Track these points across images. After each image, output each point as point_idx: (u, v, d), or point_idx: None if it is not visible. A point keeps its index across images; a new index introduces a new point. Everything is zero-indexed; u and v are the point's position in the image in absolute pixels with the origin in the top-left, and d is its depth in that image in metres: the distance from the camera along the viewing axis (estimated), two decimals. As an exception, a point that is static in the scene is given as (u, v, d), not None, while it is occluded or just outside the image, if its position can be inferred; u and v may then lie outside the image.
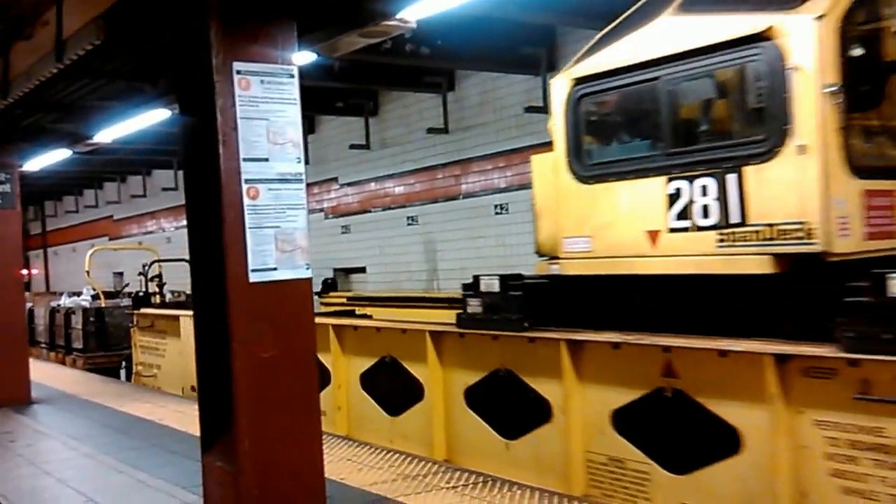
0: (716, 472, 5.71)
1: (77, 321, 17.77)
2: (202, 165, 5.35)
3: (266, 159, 5.29)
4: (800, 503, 5.27)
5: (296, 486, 5.43)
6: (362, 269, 18.75)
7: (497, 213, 14.96)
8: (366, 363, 8.81)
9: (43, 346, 19.16)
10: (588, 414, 6.54)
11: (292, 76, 5.42)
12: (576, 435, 6.59)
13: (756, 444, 5.49)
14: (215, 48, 5.15)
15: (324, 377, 8.79)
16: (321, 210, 19.56)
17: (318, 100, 16.55)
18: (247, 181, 5.21)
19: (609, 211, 6.65)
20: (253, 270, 5.21)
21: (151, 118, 13.12)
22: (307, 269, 5.45)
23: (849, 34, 5.63)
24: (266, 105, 5.31)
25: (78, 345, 17.66)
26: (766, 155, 5.69)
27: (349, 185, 18.90)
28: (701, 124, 6.29)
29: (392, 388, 8.54)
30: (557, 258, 7.07)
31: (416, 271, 16.79)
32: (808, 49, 5.49)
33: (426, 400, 8.07)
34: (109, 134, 14.53)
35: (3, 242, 11.16)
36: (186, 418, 9.21)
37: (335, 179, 19.25)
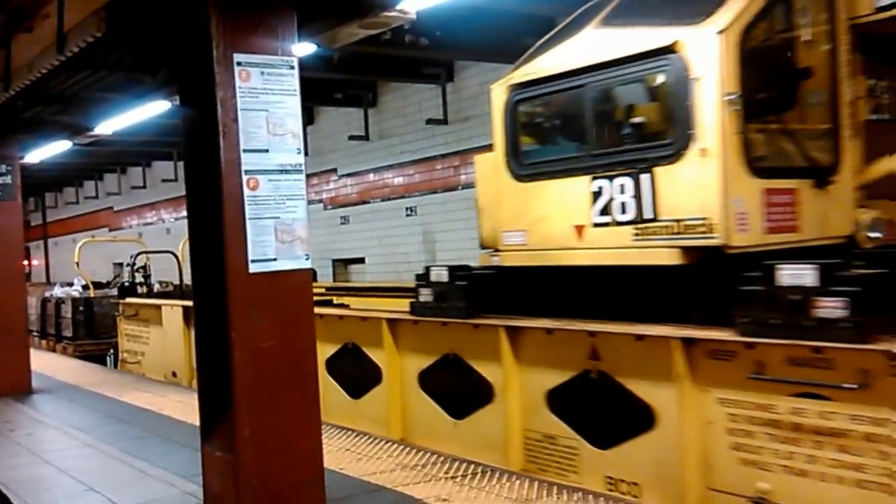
0: (634, 447, 6.16)
1: (67, 310, 18.32)
2: (202, 156, 5.38)
3: (266, 150, 5.31)
4: (705, 475, 5.71)
5: (295, 475, 5.46)
6: (361, 260, 18.79)
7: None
8: (331, 349, 9.17)
9: (35, 334, 19.37)
10: (526, 394, 7.01)
11: (292, 67, 5.44)
12: (514, 414, 7.06)
13: (668, 421, 5.95)
14: (216, 39, 5.18)
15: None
16: (320, 201, 19.59)
17: (317, 91, 16.57)
18: (247, 172, 5.24)
19: (542, 207, 7.09)
20: (253, 261, 5.24)
21: (152, 110, 13.13)
22: (307, 259, 5.48)
23: (748, 48, 6.04)
24: (266, 96, 5.33)
25: (68, 333, 18.20)
26: (674, 157, 6.11)
27: (348, 175, 18.92)
28: (619, 128, 6.67)
29: (354, 373, 9.00)
30: (498, 250, 7.52)
31: (414, 262, 16.82)
32: (708, 61, 5.93)
33: (384, 383, 8.49)
34: (110, 125, 14.54)
35: (3, 233, 11.19)
36: (186, 408, 9.25)
37: (334, 170, 19.28)
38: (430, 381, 7.99)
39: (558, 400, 6.76)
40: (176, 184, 23.71)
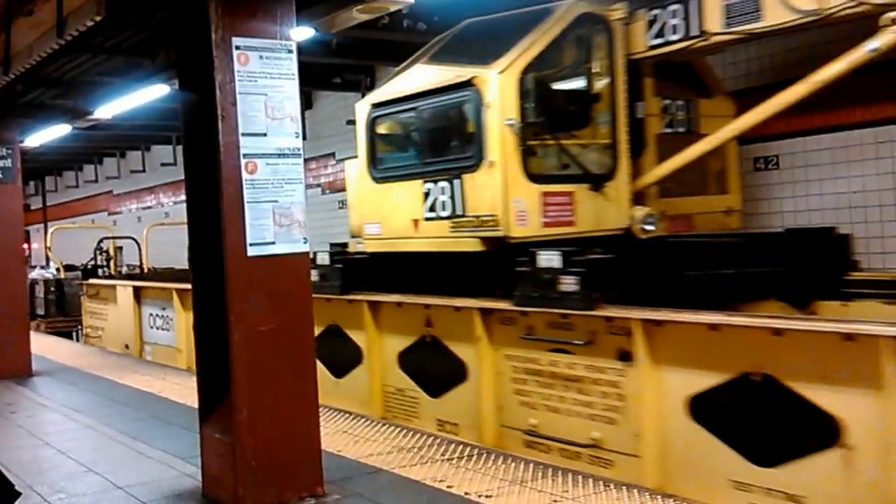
0: (454, 394, 7.88)
1: (40, 290, 19.79)
2: (201, 140, 5.41)
3: (264, 134, 5.35)
4: (498, 415, 7.39)
5: (293, 456, 5.51)
6: (360, 245, 18.77)
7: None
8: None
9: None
10: (384, 356, 8.67)
11: (291, 51, 5.47)
12: (376, 372, 8.74)
13: (474, 373, 7.62)
14: (214, 23, 5.20)
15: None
16: (318, 185, 19.55)
17: (315, 75, 16.51)
18: (245, 156, 5.27)
19: (391, 204, 8.63)
20: (251, 244, 5.28)
21: (151, 94, 13.15)
22: (305, 243, 5.52)
23: (527, 84, 7.63)
24: (265, 80, 5.36)
25: (40, 311, 19.69)
26: (474, 167, 7.66)
27: (346, 160, 18.87)
28: (440, 143, 8.24)
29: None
30: (362, 239, 9.14)
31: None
32: (494, 93, 7.52)
33: None
34: (109, 109, 14.56)
35: (3, 217, 11.19)
36: (185, 391, 9.29)
37: (332, 155, 19.23)
38: (319, 348, 8.49)
39: (405, 360, 8.44)
40: (175, 168, 23.63)
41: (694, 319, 5.90)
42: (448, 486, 5.71)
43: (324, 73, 16.73)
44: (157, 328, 13.61)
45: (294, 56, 5.49)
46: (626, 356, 6.33)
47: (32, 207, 35.66)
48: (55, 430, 8.09)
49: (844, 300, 8.36)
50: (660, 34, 8.07)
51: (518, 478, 5.85)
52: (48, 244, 22.21)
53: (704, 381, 5.84)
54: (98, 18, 7.60)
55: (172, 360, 12.55)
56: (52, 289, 19.74)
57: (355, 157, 9.28)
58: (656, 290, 7.07)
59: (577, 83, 8.32)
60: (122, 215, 29.08)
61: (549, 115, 7.85)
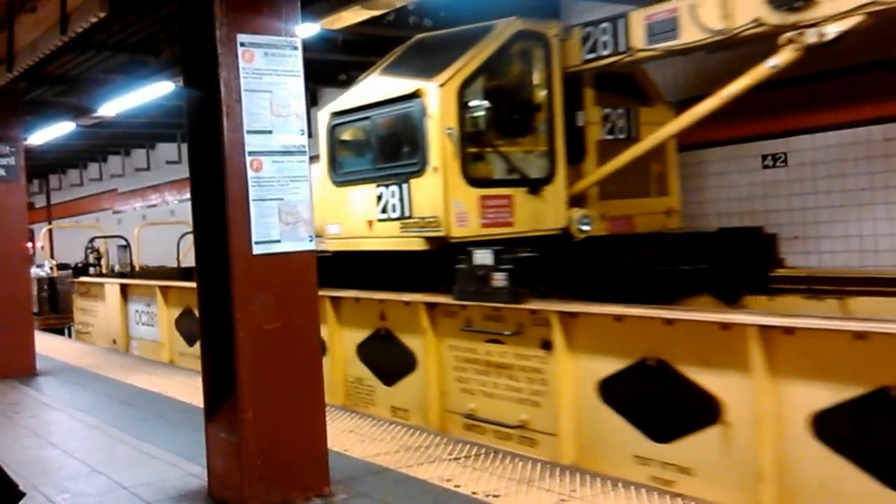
0: (405, 383, 8.37)
1: (34, 289, 19.53)
2: (206, 138, 5.38)
3: (269, 131, 5.31)
4: (442, 400, 7.91)
5: (299, 456, 5.48)
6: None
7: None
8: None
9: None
10: (345, 348, 9.10)
11: (296, 48, 5.43)
12: (338, 363, 9.13)
13: (423, 363, 8.11)
14: (219, 20, 5.17)
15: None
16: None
17: (321, 72, 16.49)
18: (250, 153, 5.24)
19: (349, 206, 9.16)
20: (256, 242, 5.25)
21: (155, 91, 13.13)
22: (310, 241, 5.49)
23: (466, 95, 8.29)
24: (270, 77, 5.32)
25: (34, 309, 19.55)
26: (419, 172, 8.28)
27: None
28: (391, 150, 8.80)
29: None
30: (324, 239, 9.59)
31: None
32: (435, 104, 8.11)
33: None
34: (113, 107, 14.56)
35: (7, 215, 11.16)
36: (190, 390, 9.26)
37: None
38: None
39: (363, 351, 8.88)
40: (180, 166, 23.64)
41: (601, 311, 6.55)
42: (455, 486, 5.68)
43: (329, 70, 16.68)
44: (143, 324, 14.01)
45: (299, 53, 5.45)
46: (547, 345, 6.92)
47: (36, 206, 35.67)
48: (60, 430, 8.08)
49: (770, 295, 9.10)
50: (593, 49, 8.80)
51: (525, 477, 5.81)
52: (41, 243, 22.82)
53: (611, 366, 6.46)
54: (102, 15, 7.56)
55: (156, 355, 12.99)
56: (46, 287, 19.99)
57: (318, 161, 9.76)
58: (593, 286, 7.99)
59: (516, 94, 9.00)
60: (127, 213, 29.07)
61: (488, 124, 8.58)
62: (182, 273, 16.77)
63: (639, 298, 6.78)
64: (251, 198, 5.24)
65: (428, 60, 8.83)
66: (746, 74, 7.73)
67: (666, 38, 8.20)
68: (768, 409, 5.42)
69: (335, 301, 9.11)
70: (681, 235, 9.80)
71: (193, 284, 11.99)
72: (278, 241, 5.33)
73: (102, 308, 15.53)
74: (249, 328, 5.26)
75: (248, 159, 5.23)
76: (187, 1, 5.58)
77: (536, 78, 8.92)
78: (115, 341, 14.72)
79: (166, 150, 24.78)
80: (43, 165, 30.56)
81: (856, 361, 5.04)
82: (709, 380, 5.76)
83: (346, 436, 7.14)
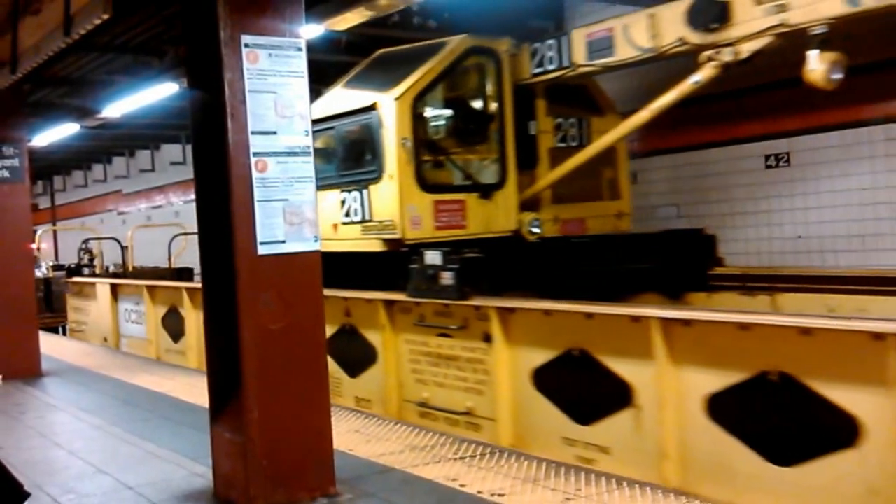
0: (368, 375, 9.09)
1: None
2: (210, 139, 5.38)
3: (274, 132, 5.32)
4: (400, 391, 8.67)
5: (304, 457, 5.48)
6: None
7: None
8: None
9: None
10: None
11: (300, 49, 5.44)
12: None
13: (382, 356, 8.82)
14: (223, 21, 5.17)
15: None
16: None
17: (325, 73, 16.50)
18: (255, 154, 5.24)
19: (318, 210, 9.17)
20: (261, 243, 5.25)
21: (159, 92, 13.17)
22: (315, 241, 5.49)
23: (420, 107, 9.01)
24: (274, 78, 5.33)
25: None
26: (377, 179, 8.98)
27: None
28: (352, 158, 9.50)
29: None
30: None
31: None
32: (390, 117, 8.84)
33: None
34: (118, 108, 14.60)
35: (11, 216, 11.16)
36: (195, 390, 9.27)
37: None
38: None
39: (330, 346, 8.73)
40: (184, 167, 23.71)
41: (533, 306, 7.34)
42: (461, 485, 5.68)
43: (334, 71, 16.69)
44: (132, 322, 14.75)
45: (303, 54, 5.46)
46: (488, 338, 7.66)
47: (41, 207, 35.71)
48: (65, 431, 8.09)
49: (709, 292, 9.83)
50: (540, 64, 9.58)
51: (531, 476, 5.82)
52: (37, 244, 22.77)
53: (543, 356, 7.25)
54: (105, 17, 7.57)
55: (145, 352, 13.81)
56: (41, 287, 20.07)
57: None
58: (547, 285, 8.73)
59: (469, 105, 9.73)
60: (132, 214, 29.11)
61: (442, 134, 9.29)
62: (174, 273, 17.96)
63: (589, 296, 7.48)
64: (256, 198, 5.24)
65: (385, 75, 9.51)
66: (673, 89, 8.42)
67: (603, 54, 8.94)
68: (670, 393, 6.12)
69: None
70: (629, 237, 10.58)
71: (179, 284, 13.76)
72: (283, 242, 5.34)
73: (95, 307, 16.23)
74: (255, 328, 5.27)
75: (253, 160, 5.23)
76: (191, 2, 5.59)
77: (488, 90, 9.64)
78: (105, 339, 15.47)
79: (171, 151, 24.83)
80: (47, 167, 30.62)
81: (741, 350, 5.73)
82: (622, 367, 6.55)
83: (351, 436, 7.15)
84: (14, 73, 9.99)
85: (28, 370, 11.16)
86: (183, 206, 25.25)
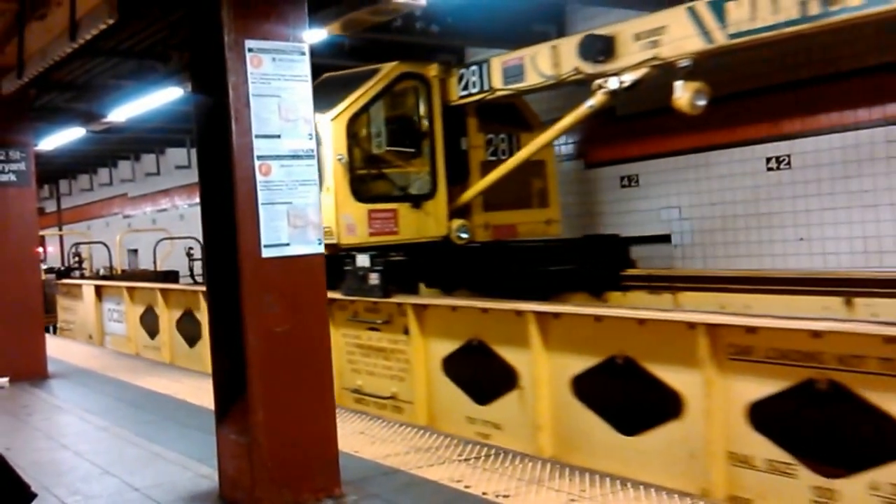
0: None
1: None
2: (215, 142, 5.41)
3: (278, 136, 5.35)
4: (338, 378, 9.02)
5: (309, 458, 5.51)
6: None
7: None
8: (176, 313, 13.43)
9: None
10: None
11: (303, 53, 5.47)
12: None
13: (335, 349, 9.02)
14: (227, 26, 5.21)
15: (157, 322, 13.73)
16: (333, 187, 19.57)
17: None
18: (259, 157, 5.28)
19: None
20: (266, 246, 5.28)
21: (164, 96, 13.19)
22: (319, 244, 5.52)
23: (354, 127, 9.98)
24: (278, 82, 5.37)
25: None
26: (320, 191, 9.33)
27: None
28: None
29: (189, 330, 12.94)
30: None
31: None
32: (328, 135, 9.69)
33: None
34: (123, 113, 14.62)
35: (18, 220, 11.20)
36: (201, 392, 9.30)
37: (347, 157, 19.25)
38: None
39: None
40: (189, 170, 23.73)
41: (441, 303, 8.52)
42: (466, 487, 5.71)
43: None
44: (114, 321, 15.71)
45: (307, 58, 5.49)
46: (407, 331, 8.62)
47: (47, 211, 35.74)
48: (71, 433, 8.13)
49: (624, 291, 10.90)
50: (465, 87, 10.61)
51: (535, 477, 5.85)
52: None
53: (450, 346, 8.27)
54: (111, 22, 7.61)
55: (125, 348, 14.74)
56: None
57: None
58: (482, 285, 9.90)
59: (402, 124, 10.65)
60: (137, 217, 29.15)
61: (377, 150, 10.34)
62: (160, 276, 18.61)
63: (521, 295, 8.25)
64: (260, 201, 5.28)
65: (326, 97, 10.08)
66: (572, 113, 9.47)
67: (516, 80, 10.04)
68: (545, 376, 7.17)
69: None
70: (553, 241, 11.55)
71: (154, 285, 14.75)
72: (287, 245, 5.37)
73: (81, 307, 17.33)
74: (259, 330, 5.30)
75: (257, 163, 5.27)
76: (195, 7, 5.62)
77: (421, 111, 10.63)
78: (90, 336, 16.53)
79: (176, 154, 24.86)
80: (53, 171, 30.62)
81: (596, 338, 6.77)
82: (510, 354, 7.56)
83: (356, 437, 7.18)
84: (20, 77, 10.04)
85: (35, 372, 11.20)
86: (188, 210, 25.29)
